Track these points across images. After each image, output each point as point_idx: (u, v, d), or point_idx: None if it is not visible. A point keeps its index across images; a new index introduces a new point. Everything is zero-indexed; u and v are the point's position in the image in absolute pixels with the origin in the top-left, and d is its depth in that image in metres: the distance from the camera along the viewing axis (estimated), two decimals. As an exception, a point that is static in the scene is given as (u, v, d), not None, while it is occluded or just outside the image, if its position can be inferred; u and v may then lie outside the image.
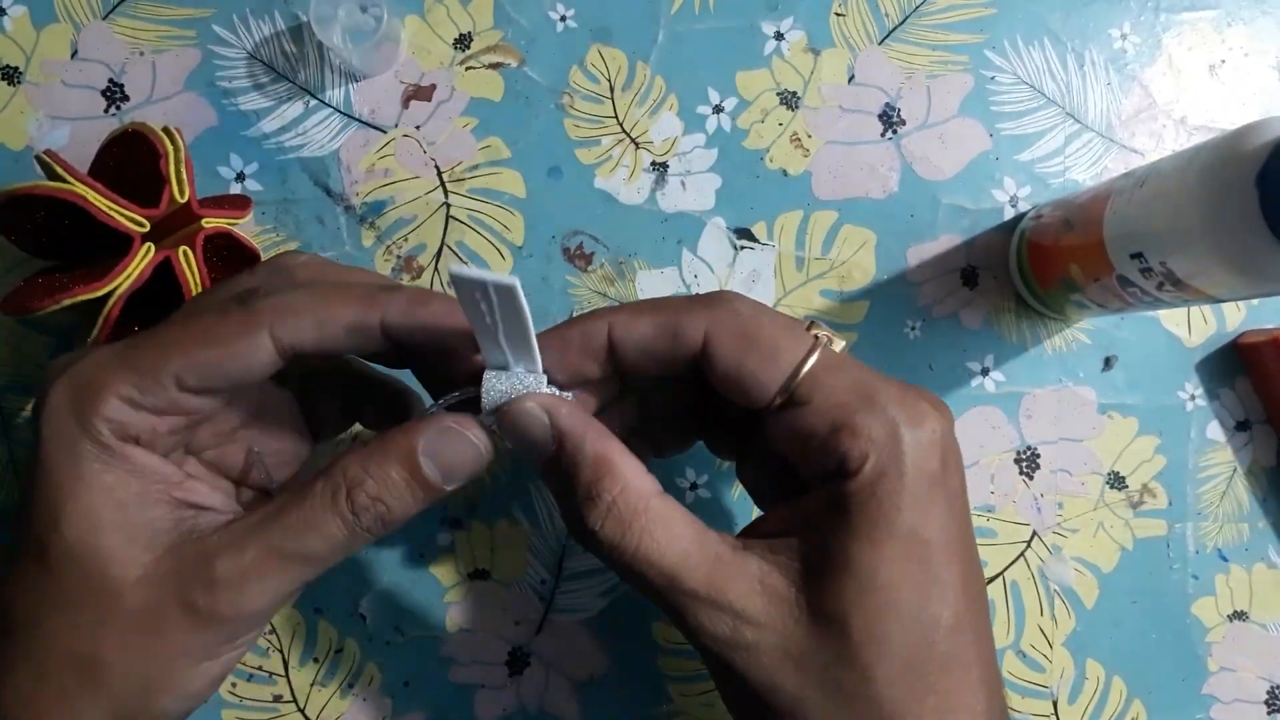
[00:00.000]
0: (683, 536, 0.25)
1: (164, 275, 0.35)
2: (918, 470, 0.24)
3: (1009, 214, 0.40)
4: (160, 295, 0.35)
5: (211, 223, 0.35)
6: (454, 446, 0.26)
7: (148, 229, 0.34)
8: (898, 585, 0.24)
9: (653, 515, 0.25)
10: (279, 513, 0.25)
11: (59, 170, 0.33)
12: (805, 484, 0.27)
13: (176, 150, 0.35)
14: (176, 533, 0.25)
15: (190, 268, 0.35)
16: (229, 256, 0.37)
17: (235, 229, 0.37)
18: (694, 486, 0.39)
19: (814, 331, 0.28)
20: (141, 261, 0.34)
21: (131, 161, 0.35)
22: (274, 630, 0.38)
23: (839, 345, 0.28)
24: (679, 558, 0.24)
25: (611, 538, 0.25)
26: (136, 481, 0.25)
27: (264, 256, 0.39)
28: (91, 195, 0.33)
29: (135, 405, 0.25)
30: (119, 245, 0.34)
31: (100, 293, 0.33)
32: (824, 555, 0.24)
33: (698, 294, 0.32)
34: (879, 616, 0.23)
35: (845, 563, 0.24)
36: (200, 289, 0.35)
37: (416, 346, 0.26)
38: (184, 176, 0.35)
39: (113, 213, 0.33)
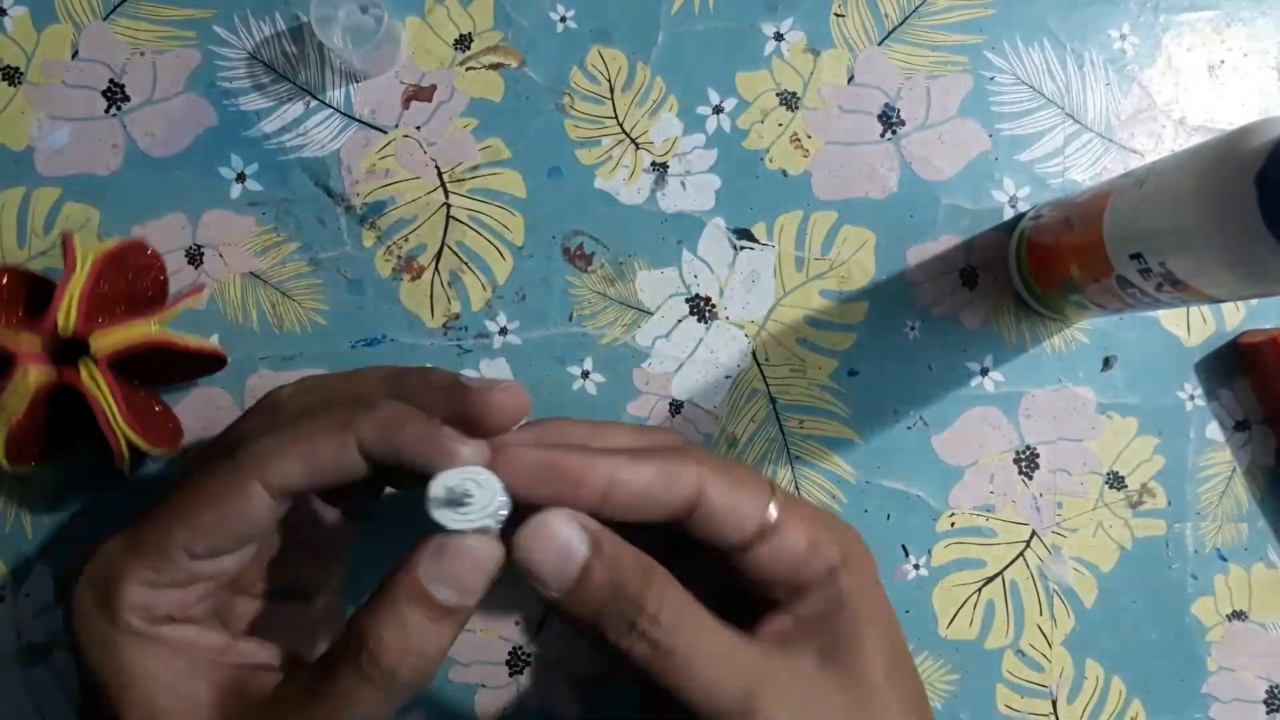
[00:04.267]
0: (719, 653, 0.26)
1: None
2: (872, 564, 0.30)
3: (1008, 214, 0.40)
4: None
5: (107, 346, 0.34)
6: (458, 564, 0.24)
7: (37, 349, 0.34)
8: (896, 646, 0.29)
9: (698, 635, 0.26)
10: (312, 695, 0.24)
11: None
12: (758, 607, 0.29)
13: (80, 273, 0.34)
14: (232, 702, 0.25)
15: (99, 387, 0.34)
16: (169, 362, 0.37)
17: (169, 337, 0.35)
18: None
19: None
20: (24, 382, 0.33)
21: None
22: (274, 630, 0.38)
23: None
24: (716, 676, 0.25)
25: (649, 659, 0.25)
26: (181, 659, 0.25)
27: (268, 262, 0.39)
28: None
29: (156, 586, 0.25)
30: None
31: None
32: (838, 639, 0.27)
33: (666, 446, 0.30)
34: (890, 668, 0.28)
35: (859, 640, 0.27)
36: (113, 408, 0.34)
37: (397, 467, 0.25)
38: (73, 307, 0.34)
39: None
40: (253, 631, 0.29)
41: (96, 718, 0.25)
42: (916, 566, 0.39)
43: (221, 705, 0.25)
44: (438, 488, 0.25)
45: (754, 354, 0.40)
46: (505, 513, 0.26)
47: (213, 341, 0.38)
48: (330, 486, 0.26)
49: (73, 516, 0.39)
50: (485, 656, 0.39)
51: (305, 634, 0.31)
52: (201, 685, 0.25)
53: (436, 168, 0.40)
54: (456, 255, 0.40)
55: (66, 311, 0.34)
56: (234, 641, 0.27)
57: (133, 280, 0.37)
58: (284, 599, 0.30)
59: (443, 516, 0.25)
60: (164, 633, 0.25)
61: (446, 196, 0.40)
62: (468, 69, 0.40)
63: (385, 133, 0.40)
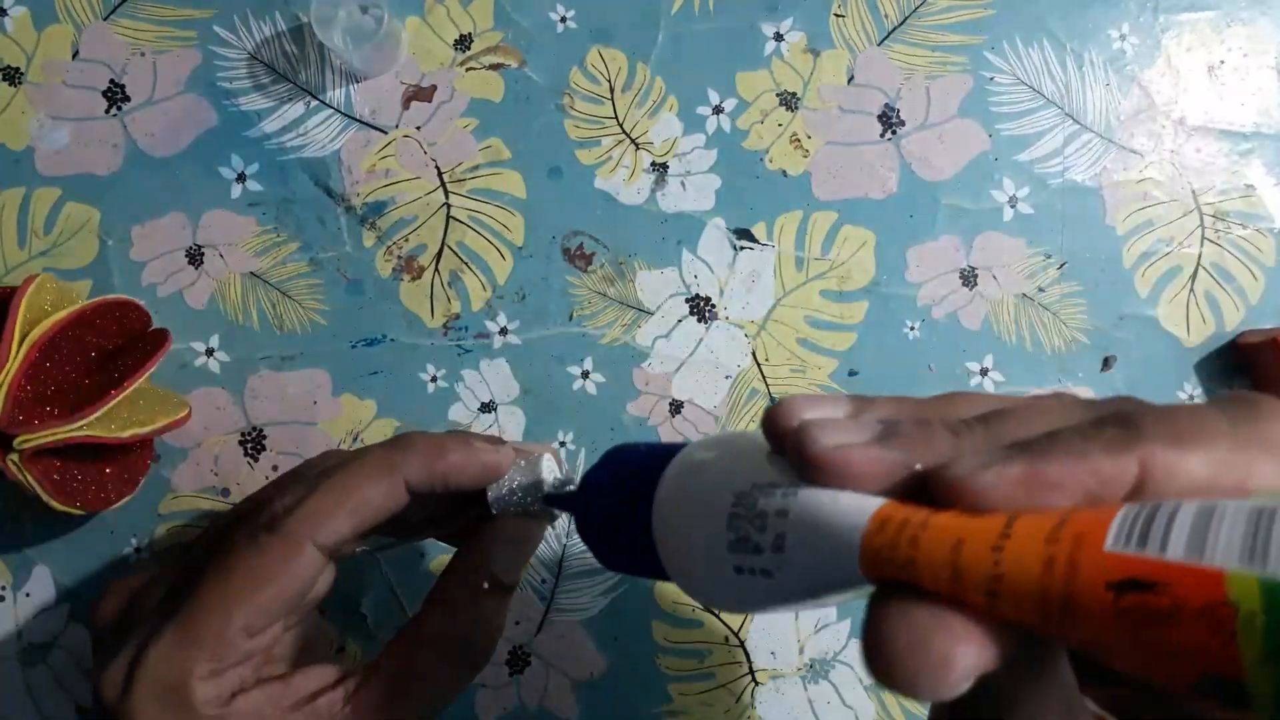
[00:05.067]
0: None
1: None
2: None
3: (1008, 214, 0.40)
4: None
5: (31, 442, 0.33)
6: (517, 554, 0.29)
7: None
8: None
9: None
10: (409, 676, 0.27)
11: None
12: None
13: (11, 363, 0.33)
14: None
15: (26, 478, 0.34)
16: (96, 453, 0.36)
17: (95, 436, 0.34)
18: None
19: None
20: None
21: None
22: (274, 630, 0.38)
23: None
24: None
25: None
26: None
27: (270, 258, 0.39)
28: None
29: (219, 674, 0.25)
30: None
31: None
32: None
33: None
34: None
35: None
36: (43, 494, 0.34)
37: (442, 495, 0.27)
38: (1, 399, 0.33)
39: None
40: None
41: None
42: (916, 566, 0.39)
43: None
44: (549, 476, 0.28)
45: (754, 354, 0.40)
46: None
47: (151, 426, 0.36)
48: (374, 529, 0.27)
49: (73, 518, 0.39)
50: (485, 656, 0.39)
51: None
52: None
53: (436, 168, 0.40)
54: (456, 255, 0.40)
55: None
56: (288, 683, 0.27)
57: (97, 339, 0.36)
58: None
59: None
60: (235, 708, 0.25)
61: (446, 196, 0.40)
62: (468, 69, 0.40)
63: (385, 133, 0.40)
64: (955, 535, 0.15)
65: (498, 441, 0.28)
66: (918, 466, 0.16)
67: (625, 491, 0.23)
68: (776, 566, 0.17)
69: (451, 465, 0.27)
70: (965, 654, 0.14)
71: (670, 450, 0.22)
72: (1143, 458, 0.15)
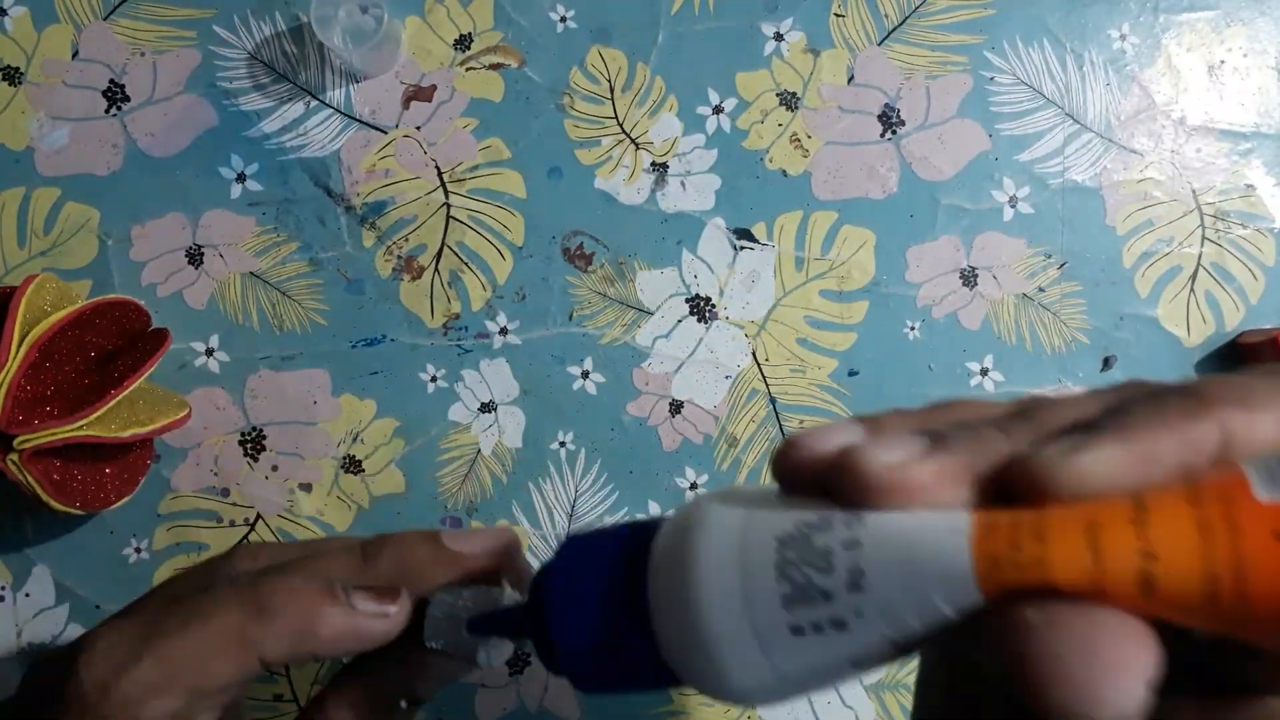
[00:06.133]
0: None
1: None
2: None
3: (1008, 214, 0.40)
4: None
5: (30, 442, 0.33)
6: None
7: None
8: None
9: None
10: None
11: None
12: None
13: (11, 363, 0.33)
14: None
15: (26, 478, 0.34)
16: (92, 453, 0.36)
17: (94, 436, 0.34)
18: (694, 486, 0.39)
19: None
20: None
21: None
22: (274, 630, 0.38)
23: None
24: None
25: None
26: None
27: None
28: None
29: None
30: None
31: None
32: None
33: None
34: None
35: None
36: (42, 495, 0.34)
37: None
38: (1, 400, 0.33)
39: None
40: None
41: None
42: (916, 566, 0.39)
43: None
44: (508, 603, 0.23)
45: (754, 354, 0.40)
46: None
47: (149, 426, 0.36)
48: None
49: (73, 518, 0.39)
50: (485, 656, 0.39)
51: None
52: None
53: (436, 168, 0.40)
54: (456, 255, 0.40)
55: None
56: None
57: (96, 339, 0.37)
58: None
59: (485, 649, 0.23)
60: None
61: (446, 196, 0.40)
62: (468, 69, 0.40)
63: (385, 133, 0.40)
64: (1086, 519, 0.13)
65: (391, 595, 0.23)
66: (983, 468, 0.14)
67: (603, 584, 0.18)
68: (855, 611, 0.14)
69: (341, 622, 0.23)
70: (1141, 657, 0.12)
71: (640, 527, 0.18)
72: (1220, 421, 0.14)
